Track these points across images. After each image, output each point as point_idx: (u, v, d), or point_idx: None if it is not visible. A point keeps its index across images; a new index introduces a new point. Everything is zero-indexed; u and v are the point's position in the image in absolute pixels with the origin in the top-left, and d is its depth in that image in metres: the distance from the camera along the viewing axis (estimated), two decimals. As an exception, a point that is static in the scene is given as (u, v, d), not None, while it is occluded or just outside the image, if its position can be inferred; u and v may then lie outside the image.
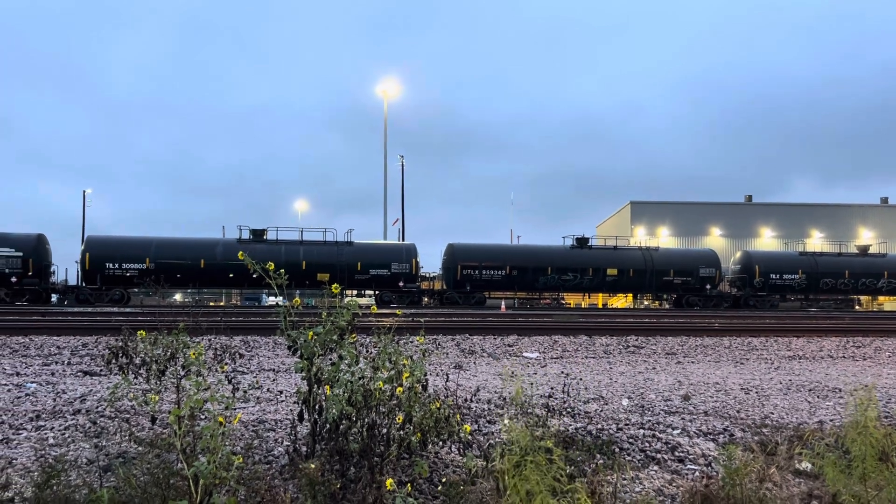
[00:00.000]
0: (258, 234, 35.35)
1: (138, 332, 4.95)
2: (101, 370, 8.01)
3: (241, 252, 4.82)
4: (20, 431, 5.19)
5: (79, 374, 7.90)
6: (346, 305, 4.54)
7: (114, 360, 4.73)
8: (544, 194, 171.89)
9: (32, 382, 7.19)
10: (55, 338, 10.61)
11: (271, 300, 70.09)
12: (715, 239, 67.36)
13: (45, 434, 5.10)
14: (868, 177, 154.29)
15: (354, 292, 36.79)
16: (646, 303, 46.12)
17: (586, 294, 42.86)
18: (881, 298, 45.53)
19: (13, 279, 31.76)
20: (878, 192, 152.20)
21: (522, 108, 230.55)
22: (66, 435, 5.10)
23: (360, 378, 4.40)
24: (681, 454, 5.15)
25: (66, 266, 51.80)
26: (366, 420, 4.33)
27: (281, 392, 6.77)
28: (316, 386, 4.57)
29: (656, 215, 70.02)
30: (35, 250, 32.56)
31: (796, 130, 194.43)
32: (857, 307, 43.02)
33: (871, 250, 43.13)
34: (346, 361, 4.59)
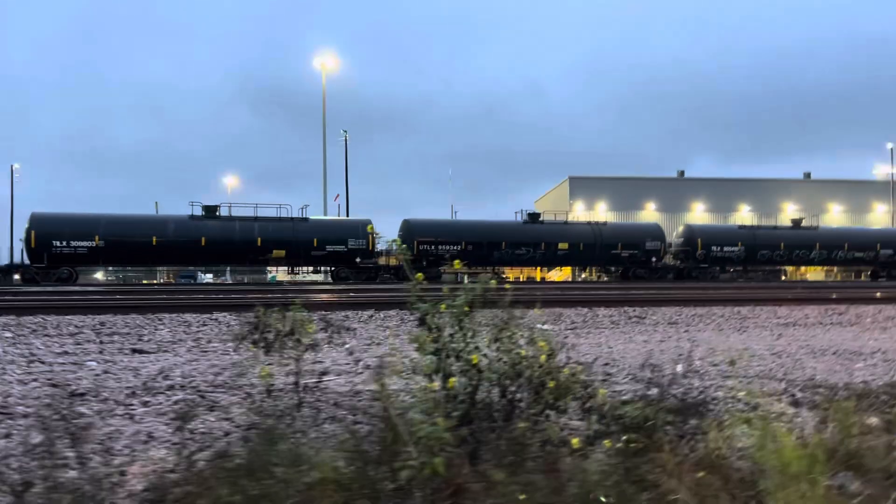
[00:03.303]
0: (211, 211, 34.52)
1: (257, 308, 5.06)
2: (149, 348, 7.99)
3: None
4: (131, 407, 5.21)
5: (127, 351, 7.84)
6: (483, 280, 4.75)
7: (249, 336, 4.84)
8: (462, 171, 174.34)
9: (91, 361, 7.12)
10: (69, 317, 10.38)
11: (208, 277, 69.03)
12: (650, 213, 69.43)
13: (160, 408, 5.14)
14: (763, 155, 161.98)
15: (311, 269, 36.57)
16: (583, 275, 47.15)
17: (521, 268, 43.38)
18: (803, 269, 48.03)
19: (-49, 259, 30.39)
20: (764, 171, 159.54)
21: (429, 88, 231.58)
22: (180, 408, 5.14)
23: (501, 350, 4.63)
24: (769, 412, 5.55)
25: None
26: (511, 388, 4.57)
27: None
28: (445, 356, 4.78)
29: (594, 190, 71.65)
30: (-26, 228, 31.16)
31: (692, 111, 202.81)
32: (782, 277, 45.41)
33: (804, 223, 45.33)
34: (470, 333, 4.81)
